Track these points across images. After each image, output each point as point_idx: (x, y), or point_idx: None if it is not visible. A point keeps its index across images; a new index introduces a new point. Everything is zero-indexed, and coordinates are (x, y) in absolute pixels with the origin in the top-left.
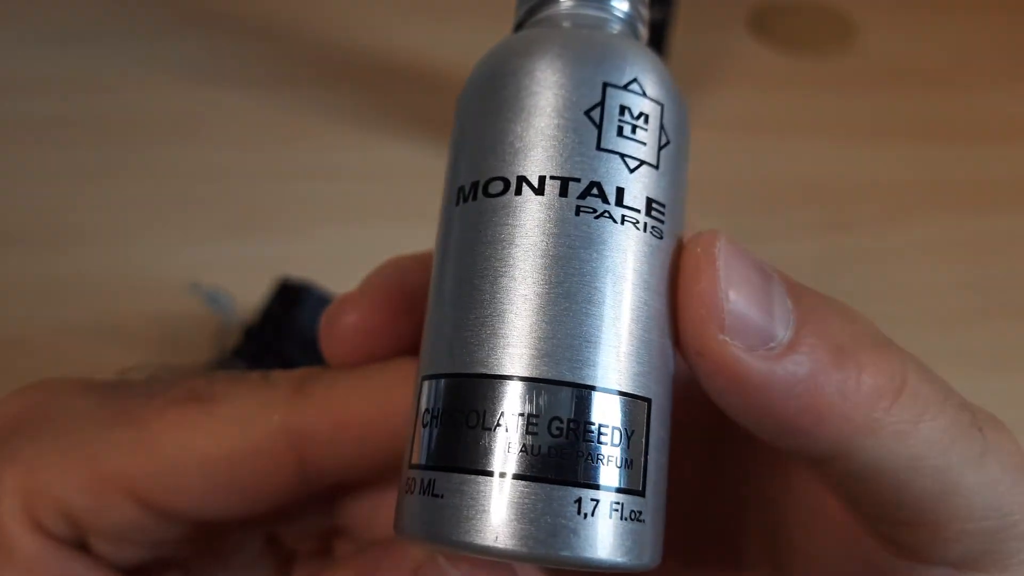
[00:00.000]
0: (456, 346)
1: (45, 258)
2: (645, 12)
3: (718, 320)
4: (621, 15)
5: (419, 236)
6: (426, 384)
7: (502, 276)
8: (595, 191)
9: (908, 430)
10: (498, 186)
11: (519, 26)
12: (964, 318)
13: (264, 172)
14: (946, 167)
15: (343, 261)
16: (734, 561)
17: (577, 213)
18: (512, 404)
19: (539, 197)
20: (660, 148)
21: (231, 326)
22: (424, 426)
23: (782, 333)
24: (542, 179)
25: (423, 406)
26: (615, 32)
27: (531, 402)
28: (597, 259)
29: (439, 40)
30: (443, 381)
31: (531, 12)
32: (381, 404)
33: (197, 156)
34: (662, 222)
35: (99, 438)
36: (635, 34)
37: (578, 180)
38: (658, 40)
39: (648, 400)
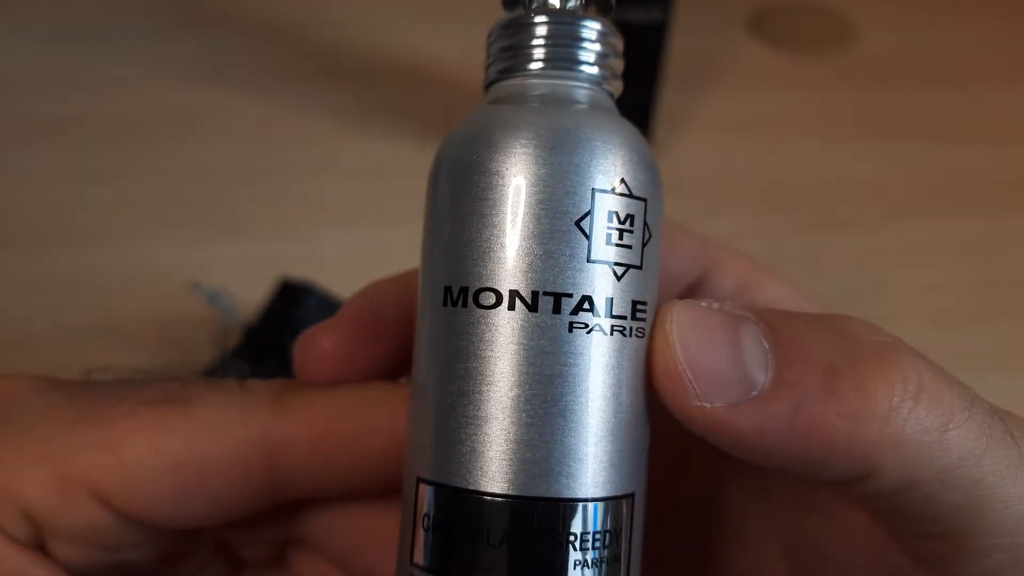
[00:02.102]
0: (448, 457)
1: (45, 258)
2: (618, 64)
3: (689, 390)
4: (596, 78)
5: (419, 236)
6: (422, 487)
7: (495, 391)
8: (586, 305)
9: (934, 440)
10: (490, 298)
11: (490, 85)
12: (964, 318)
13: (264, 172)
14: (946, 167)
15: (343, 261)
16: None
17: (570, 330)
18: (504, 520)
19: (533, 314)
20: (644, 246)
21: (232, 326)
22: (425, 530)
23: (761, 377)
24: (535, 295)
25: (422, 509)
26: (591, 105)
27: (525, 517)
28: (589, 375)
29: (439, 40)
30: (443, 490)
31: (504, 73)
32: (357, 423)
33: (197, 156)
34: (644, 320)
35: (64, 436)
36: (609, 93)
37: (571, 296)
38: (658, 40)
39: (631, 495)
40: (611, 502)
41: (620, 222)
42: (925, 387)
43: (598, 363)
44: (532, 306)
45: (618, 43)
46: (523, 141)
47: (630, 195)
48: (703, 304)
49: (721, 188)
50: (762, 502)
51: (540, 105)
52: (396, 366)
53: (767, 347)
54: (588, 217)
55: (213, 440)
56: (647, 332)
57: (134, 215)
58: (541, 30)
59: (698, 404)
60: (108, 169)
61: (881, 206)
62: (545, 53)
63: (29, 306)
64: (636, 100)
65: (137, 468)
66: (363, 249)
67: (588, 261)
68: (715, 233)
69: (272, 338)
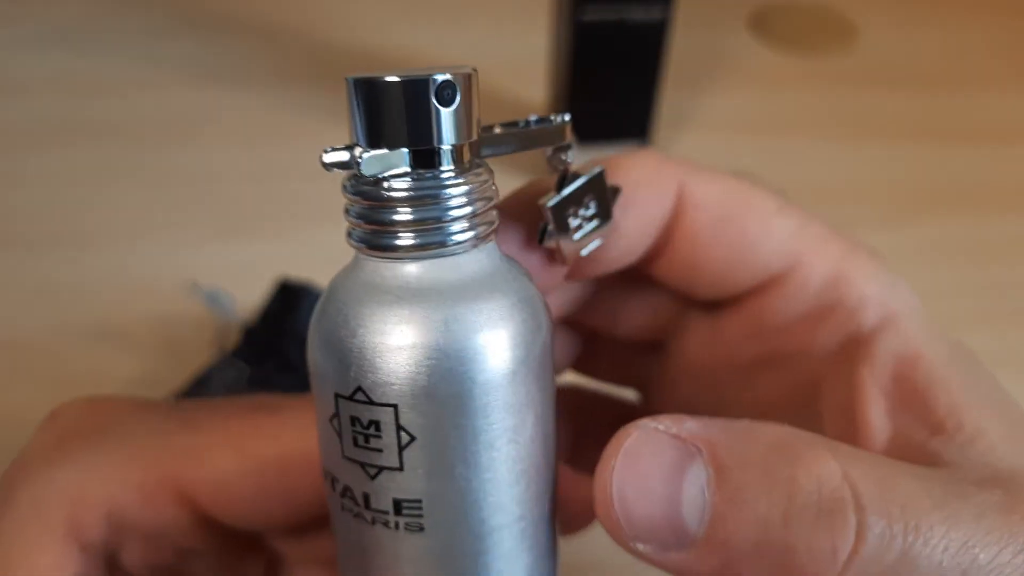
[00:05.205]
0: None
1: (44, 259)
2: (484, 208)
3: (624, 533)
4: (464, 247)
5: None
6: None
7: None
8: (349, 494)
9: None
10: None
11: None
12: (963, 319)
13: (264, 172)
14: (945, 167)
15: (343, 261)
16: None
17: (342, 508)
18: None
19: (328, 485)
20: (401, 449)
21: (231, 326)
22: None
23: (695, 528)
24: (326, 471)
25: None
26: (410, 289)
27: None
28: (361, 554)
29: (439, 40)
30: None
31: (349, 237)
32: None
33: (197, 156)
34: (419, 516)
35: (156, 445)
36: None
37: (338, 480)
38: (658, 40)
39: None
40: None
41: (364, 427)
42: (867, 538)
43: (359, 542)
44: (326, 478)
45: (485, 189)
46: (314, 338)
47: (370, 403)
48: (660, 428)
49: None
50: None
51: (352, 295)
52: None
53: (707, 498)
54: (336, 418)
55: (298, 439)
56: (428, 526)
57: (133, 216)
58: (401, 211)
59: (632, 545)
60: (107, 170)
61: (881, 207)
62: (408, 235)
63: (28, 308)
64: (636, 100)
65: (224, 469)
66: None
67: (343, 457)
68: None
69: (271, 339)
